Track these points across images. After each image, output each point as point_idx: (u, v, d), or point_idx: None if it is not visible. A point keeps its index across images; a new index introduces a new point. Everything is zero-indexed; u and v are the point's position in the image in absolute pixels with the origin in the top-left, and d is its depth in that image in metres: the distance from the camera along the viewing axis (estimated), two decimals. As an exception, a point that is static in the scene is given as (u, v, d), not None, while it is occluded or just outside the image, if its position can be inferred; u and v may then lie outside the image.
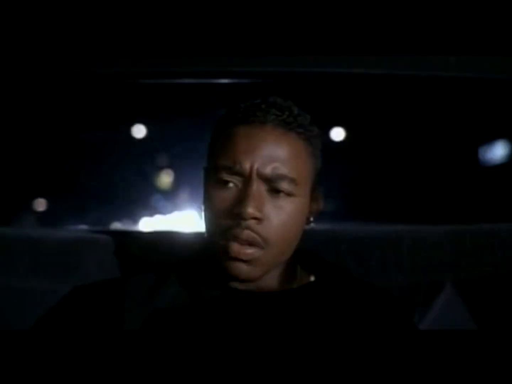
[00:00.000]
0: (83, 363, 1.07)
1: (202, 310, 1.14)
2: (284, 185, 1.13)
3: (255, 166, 1.12)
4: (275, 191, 1.13)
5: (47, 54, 1.76)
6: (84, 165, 2.43)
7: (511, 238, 1.67)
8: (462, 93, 2.20)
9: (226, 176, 1.13)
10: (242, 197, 1.12)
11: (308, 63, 1.95)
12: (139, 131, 2.51)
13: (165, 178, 2.46)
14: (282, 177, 1.13)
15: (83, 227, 2.34)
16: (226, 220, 1.13)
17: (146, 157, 2.48)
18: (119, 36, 1.65)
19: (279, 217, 1.13)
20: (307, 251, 1.28)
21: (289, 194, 1.14)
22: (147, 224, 2.41)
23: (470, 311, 1.61)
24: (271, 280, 1.20)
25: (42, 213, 2.50)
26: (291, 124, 1.15)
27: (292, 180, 1.14)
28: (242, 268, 1.13)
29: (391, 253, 1.65)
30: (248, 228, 1.11)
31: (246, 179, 1.13)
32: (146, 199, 2.44)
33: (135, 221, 2.43)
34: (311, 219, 1.21)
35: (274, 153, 1.13)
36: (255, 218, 1.11)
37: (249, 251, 1.12)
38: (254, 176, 1.12)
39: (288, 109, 1.17)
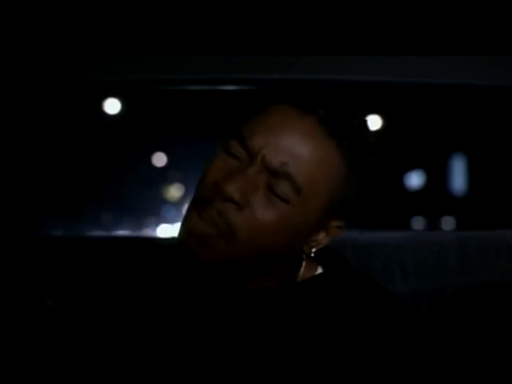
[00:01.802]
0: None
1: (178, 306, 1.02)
2: (284, 186, 0.96)
3: (265, 150, 0.97)
4: (272, 189, 0.96)
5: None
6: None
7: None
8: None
9: (234, 146, 0.98)
10: (232, 173, 0.97)
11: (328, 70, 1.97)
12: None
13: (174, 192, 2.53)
14: (286, 177, 0.96)
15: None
16: (206, 191, 0.98)
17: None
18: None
19: (264, 214, 0.96)
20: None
21: (284, 200, 0.96)
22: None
23: (475, 318, 1.61)
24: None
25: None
26: (336, 130, 0.98)
27: (295, 186, 0.96)
28: (196, 246, 0.96)
29: (396, 259, 1.65)
30: (218, 210, 0.96)
31: (250, 158, 0.97)
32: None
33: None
34: (312, 249, 1.02)
35: (295, 149, 0.97)
36: (232, 201, 0.95)
37: (210, 230, 0.95)
38: (259, 158, 0.96)
39: (347, 116, 1.00)
